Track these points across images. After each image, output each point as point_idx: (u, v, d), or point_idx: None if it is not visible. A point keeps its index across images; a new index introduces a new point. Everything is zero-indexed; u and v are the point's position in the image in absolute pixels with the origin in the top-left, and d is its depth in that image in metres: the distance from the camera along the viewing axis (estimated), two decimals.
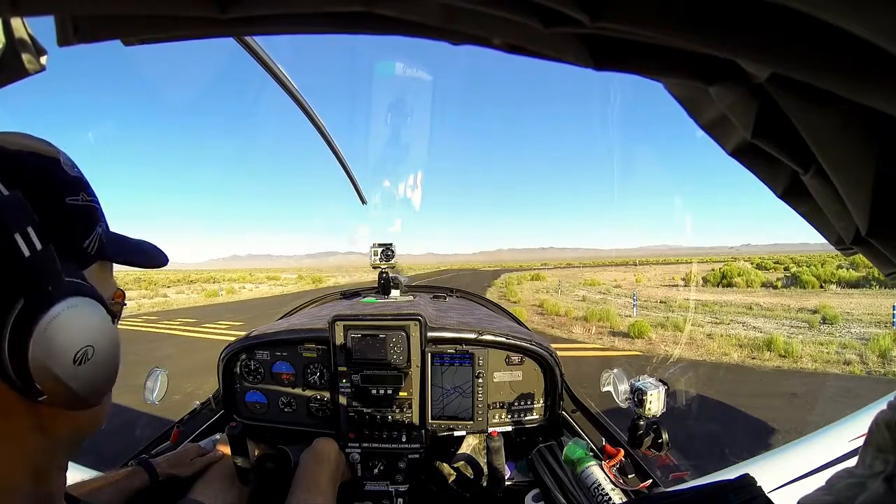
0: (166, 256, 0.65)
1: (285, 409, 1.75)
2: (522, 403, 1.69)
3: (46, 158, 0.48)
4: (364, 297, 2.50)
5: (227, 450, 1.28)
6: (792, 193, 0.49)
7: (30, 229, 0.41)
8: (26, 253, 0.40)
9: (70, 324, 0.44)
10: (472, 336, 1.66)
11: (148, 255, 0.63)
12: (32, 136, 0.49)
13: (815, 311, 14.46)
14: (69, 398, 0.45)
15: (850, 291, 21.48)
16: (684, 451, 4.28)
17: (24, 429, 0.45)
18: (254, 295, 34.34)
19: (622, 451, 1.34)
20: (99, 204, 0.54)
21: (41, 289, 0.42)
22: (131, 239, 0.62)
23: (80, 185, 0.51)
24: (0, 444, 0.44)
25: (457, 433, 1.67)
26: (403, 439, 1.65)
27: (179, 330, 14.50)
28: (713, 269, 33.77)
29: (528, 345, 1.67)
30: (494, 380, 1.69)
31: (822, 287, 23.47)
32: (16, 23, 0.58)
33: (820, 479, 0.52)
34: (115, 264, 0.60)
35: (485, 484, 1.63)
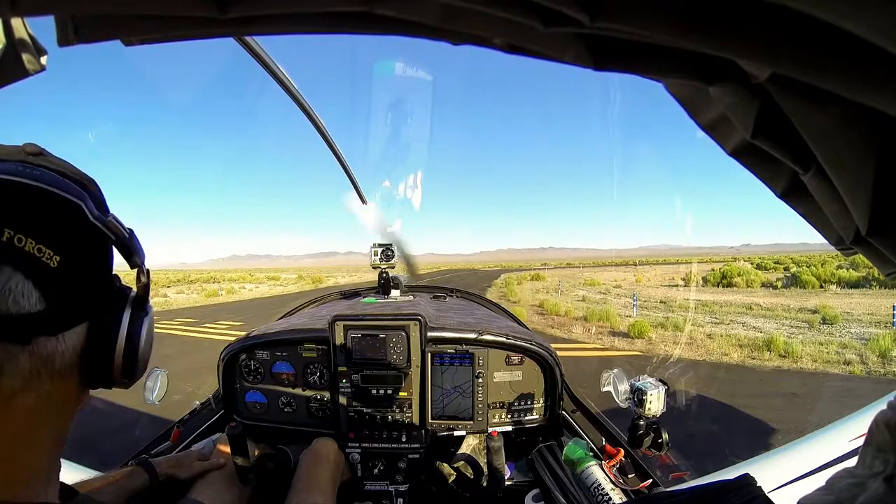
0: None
1: (285, 409, 1.75)
2: (522, 403, 1.69)
3: (90, 180, 0.51)
4: (364, 297, 2.50)
5: (226, 450, 1.28)
6: (792, 193, 0.49)
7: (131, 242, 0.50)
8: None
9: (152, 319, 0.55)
10: (472, 336, 1.66)
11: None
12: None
13: (815, 311, 14.45)
14: (132, 380, 0.54)
15: (850, 291, 21.46)
16: (684, 452, 4.27)
17: (70, 414, 0.49)
18: (254, 295, 34.33)
19: (622, 451, 1.34)
20: None
21: (140, 292, 0.52)
22: None
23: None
24: (46, 430, 0.45)
25: (457, 433, 1.67)
26: (403, 439, 1.65)
27: (179, 330, 14.48)
28: (713, 269, 33.76)
29: (528, 345, 1.67)
30: (494, 380, 1.69)
31: (822, 287, 23.45)
32: (16, 23, 0.57)
33: (820, 479, 0.51)
34: None
35: (485, 484, 1.63)
